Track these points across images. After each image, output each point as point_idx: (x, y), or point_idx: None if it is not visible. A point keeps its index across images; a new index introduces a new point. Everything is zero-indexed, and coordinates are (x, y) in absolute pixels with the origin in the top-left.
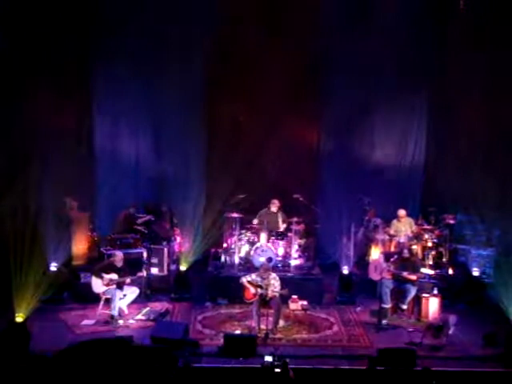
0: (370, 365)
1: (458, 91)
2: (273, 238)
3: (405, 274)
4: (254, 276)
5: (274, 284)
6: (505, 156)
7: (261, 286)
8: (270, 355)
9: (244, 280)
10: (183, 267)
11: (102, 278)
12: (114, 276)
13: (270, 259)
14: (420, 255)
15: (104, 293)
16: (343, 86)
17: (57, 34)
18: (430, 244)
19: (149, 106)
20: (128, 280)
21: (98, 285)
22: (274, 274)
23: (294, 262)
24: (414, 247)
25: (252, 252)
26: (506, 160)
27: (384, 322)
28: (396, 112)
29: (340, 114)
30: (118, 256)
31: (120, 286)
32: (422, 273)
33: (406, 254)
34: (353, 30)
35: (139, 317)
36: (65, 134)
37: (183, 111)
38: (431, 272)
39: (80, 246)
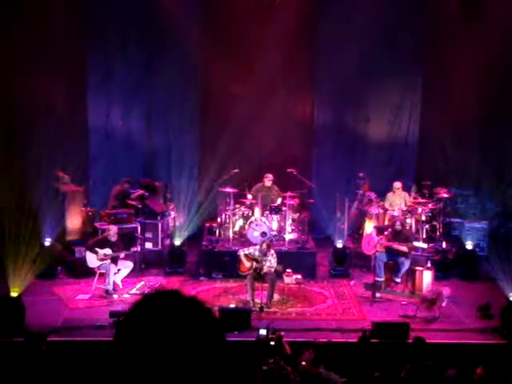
0: (362, 337)
1: (452, 63)
2: (267, 212)
3: (395, 245)
4: (252, 250)
5: (271, 260)
6: (499, 129)
7: (257, 260)
8: (264, 328)
9: (241, 253)
10: (177, 242)
11: (96, 252)
12: (108, 251)
13: (264, 233)
14: (414, 229)
15: (98, 267)
16: (337, 58)
17: (49, 5)
18: (423, 218)
19: (142, 79)
20: (122, 255)
21: (92, 259)
22: (272, 251)
23: (288, 236)
24: (408, 221)
25: (246, 226)
26: (500, 133)
27: (378, 295)
28: (390, 84)
29: (334, 87)
30: (112, 230)
31: (114, 260)
32: (413, 244)
33: (398, 226)
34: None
35: (134, 291)
36: (58, 107)
37: (176, 85)
38: (425, 245)
39: (74, 220)
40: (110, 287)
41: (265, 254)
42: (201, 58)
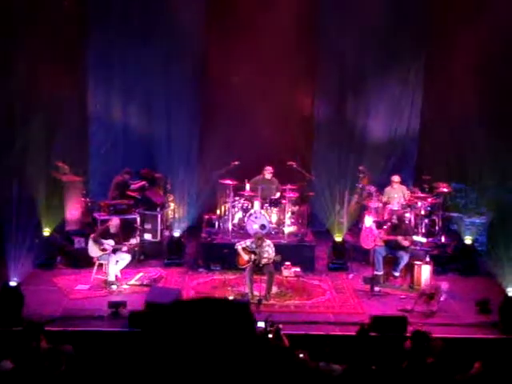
0: (360, 331)
1: (455, 56)
2: (266, 204)
3: (399, 237)
4: (248, 243)
5: (268, 251)
6: (500, 124)
7: (254, 253)
8: (262, 321)
9: (239, 247)
10: (176, 233)
11: (101, 243)
12: (111, 242)
13: (263, 226)
14: (413, 223)
15: (98, 258)
16: (338, 51)
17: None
18: (423, 212)
19: (142, 70)
20: (125, 248)
21: (94, 249)
22: (268, 241)
23: (287, 229)
24: (407, 215)
25: (245, 219)
26: (501, 128)
27: (376, 288)
28: (391, 77)
29: (334, 80)
30: (114, 222)
31: (114, 251)
32: (412, 238)
33: (394, 220)
34: None
35: (133, 282)
36: (57, 96)
37: (176, 76)
38: (424, 240)
39: (73, 210)
40: (110, 278)
41: (261, 246)
42: (201, 46)
